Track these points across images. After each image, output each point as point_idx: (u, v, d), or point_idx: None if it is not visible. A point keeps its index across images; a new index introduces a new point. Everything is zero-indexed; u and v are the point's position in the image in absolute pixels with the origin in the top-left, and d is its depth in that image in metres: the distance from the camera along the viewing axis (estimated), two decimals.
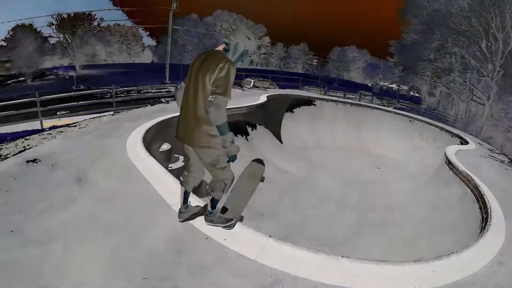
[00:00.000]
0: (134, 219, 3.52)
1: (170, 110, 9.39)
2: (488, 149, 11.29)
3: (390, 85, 66.49)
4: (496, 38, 17.93)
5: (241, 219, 3.69)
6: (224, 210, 3.61)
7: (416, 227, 7.11)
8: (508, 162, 9.26)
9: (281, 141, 14.01)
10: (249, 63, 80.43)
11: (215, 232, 3.42)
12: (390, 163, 13.39)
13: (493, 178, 7.23)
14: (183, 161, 3.68)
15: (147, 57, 76.15)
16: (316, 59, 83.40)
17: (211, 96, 2.52)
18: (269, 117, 13.71)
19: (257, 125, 12.46)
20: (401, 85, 57.63)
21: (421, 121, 15.01)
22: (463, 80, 21.68)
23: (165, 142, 7.13)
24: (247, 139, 11.40)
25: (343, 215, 8.17)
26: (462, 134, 13.13)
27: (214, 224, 3.42)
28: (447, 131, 13.33)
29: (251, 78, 21.75)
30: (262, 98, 13.78)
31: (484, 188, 6.21)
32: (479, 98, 19.98)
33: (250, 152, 10.86)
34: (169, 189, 4.29)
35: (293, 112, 15.81)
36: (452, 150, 9.45)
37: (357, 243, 6.71)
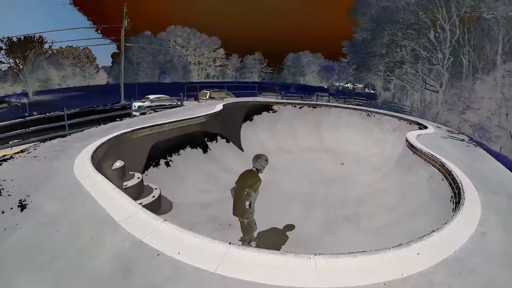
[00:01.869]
0: (79, 241, 3.32)
1: (122, 127, 8.97)
2: (447, 130, 11.73)
3: (346, 85, 69.23)
4: (443, 28, 19.25)
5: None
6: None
7: (388, 215, 7.00)
8: (468, 140, 9.57)
9: (241, 149, 13.69)
10: (205, 76, 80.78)
11: (167, 247, 3.11)
12: (353, 158, 13.49)
13: (456, 156, 7.34)
14: None
15: (102, 79, 74.09)
16: (271, 66, 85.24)
17: (246, 190, 4.76)
18: (227, 125, 13.46)
19: (216, 135, 12.14)
20: (356, 84, 60.19)
21: (379, 113, 15.37)
22: (415, 71, 22.96)
23: (118, 159, 6.84)
24: (206, 151, 10.98)
25: (312, 215, 7.89)
26: (420, 120, 13.58)
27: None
28: (405, 119, 13.72)
29: (206, 90, 21.49)
30: (218, 107, 13.55)
31: (451, 166, 6.20)
32: (432, 86, 21.21)
33: (210, 163, 10.48)
34: (118, 205, 4.01)
35: (252, 120, 15.64)
36: (413, 135, 9.62)
37: (331, 240, 6.44)
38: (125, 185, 6.37)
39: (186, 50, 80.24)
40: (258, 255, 2.97)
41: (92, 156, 5.97)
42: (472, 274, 2.84)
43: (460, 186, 5.02)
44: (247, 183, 4.86)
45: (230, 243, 3.14)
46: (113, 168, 6.55)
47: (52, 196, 4.31)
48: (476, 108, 14.15)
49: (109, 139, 7.39)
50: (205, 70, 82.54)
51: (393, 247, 3.05)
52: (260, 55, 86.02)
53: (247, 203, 4.76)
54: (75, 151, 6.43)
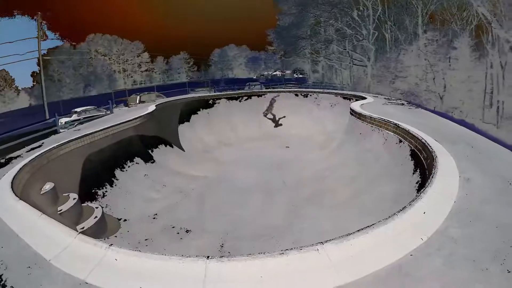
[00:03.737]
0: None
1: (48, 145, 7.48)
2: (384, 98, 12.19)
3: (274, 73, 70.44)
4: (366, 6, 20.37)
5: None
6: None
7: (351, 186, 6.88)
8: (407, 103, 9.99)
9: (182, 149, 12.84)
10: (132, 83, 76.90)
11: (122, 281, 2.31)
12: (296, 139, 13.43)
13: (404, 117, 7.51)
14: None
15: (23, 101, 65.16)
16: (198, 64, 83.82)
17: None
18: (164, 125, 12.46)
19: (154, 138, 11.09)
20: (284, 71, 61.57)
21: (315, 92, 15.55)
22: (343, 48, 23.98)
23: (47, 181, 5.71)
24: (145, 156, 9.78)
25: (273, 202, 7.50)
26: (355, 93, 14.00)
27: None
28: (341, 94, 14.03)
29: (136, 94, 20.35)
30: (151, 108, 12.49)
31: (405, 126, 6.22)
32: (360, 61, 22.42)
33: (152, 169, 9.37)
34: (47, 237, 3.11)
35: (188, 117, 14.81)
36: (356, 105, 9.72)
37: (302, 223, 6.09)
38: (60, 210, 5.34)
39: (109, 59, 75.19)
40: (251, 264, 2.27)
41: (12, 183, 4.81)
42: (481, 220, 2.74)
43: (424, 141, 4.98)
44: None
45: (208, 257, 2.39)
46: (42, 192, 5.48)
47: None
48: (404, 76, 15.22)
49: (31, 159, 6.12)
50: (131, 76, 78.02)
51: (398, 211, 2.72)
52: (185, 54, 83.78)
53: None
54: None
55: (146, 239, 5.79)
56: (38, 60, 29.01)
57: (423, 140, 5.07)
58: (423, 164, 4.75)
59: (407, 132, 5.87)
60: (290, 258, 2.27)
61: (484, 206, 2.93)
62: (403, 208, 2.77)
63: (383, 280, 2.08)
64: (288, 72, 61.57)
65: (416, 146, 5.33)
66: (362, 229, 2.51)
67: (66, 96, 61.75)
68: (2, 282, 2.54)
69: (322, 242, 2.35)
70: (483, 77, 11.64)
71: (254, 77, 73.98)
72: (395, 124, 6.51)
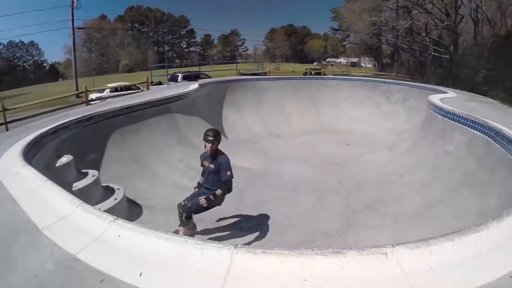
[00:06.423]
0: None
1: (74, 115, 7.72)
2: (470, 95, 11.23)
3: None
4: None
5: None
6: None
7: (424, 195, 6.34)
8: (497, 103, 9.19)
9: (225, 136, 12.82)
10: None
11: (120, 264, 2.05)
12: (360, 137, 12.68)
13: (495, 116, 6.78)
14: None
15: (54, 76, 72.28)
16: None
17: None
18: (204, 108, 12.36)
19: (194, 119, 11.09)
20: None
21: (386, 82, 14.72)
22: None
23: (66, 154, 5.80)
24: (182, 139, 9.73)
25: (326, 204, 7.07)
26: (434, 86, 13.08)
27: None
28: (417, 87, 13.15)
29: (178, 73, 21.03)
30: (193, 86, 12.42)
31: (495, 124, 5.61)
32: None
33: (188, 153, 9.20)
34: (46, 204, 2.99)
35: (234, 99, 14.47)
36: (436, 98, 9.02)
37: (358, 233, 5.63)
38: (75, 187, 5.33)
39: None
40: (293, 262, 1.93)
41: (25, 149, 4.93)
42: None
43: None
44: None
45: (236, 245, 2.08)
46: (57, 164, 5.51)
47: None
48: None
49: (52, 127, 6.31)
50: None
51: (493, 219, 2.31)
52: None
53: None
54: (4, 147, 5.25)
55: (169, 232, 5.62)
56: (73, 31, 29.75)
57: None
58: None
59: (498, 133, 5.26)
60: (348, 260, 1.93)
61: None
62: (499, 216, 2.37)
63: None
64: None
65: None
66: (446, 234, 2.13)
67: (100, 73, 64.93)
68: None
69: (392, 245, 2.01)
70: None
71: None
72: (483, 122, 5.89)
